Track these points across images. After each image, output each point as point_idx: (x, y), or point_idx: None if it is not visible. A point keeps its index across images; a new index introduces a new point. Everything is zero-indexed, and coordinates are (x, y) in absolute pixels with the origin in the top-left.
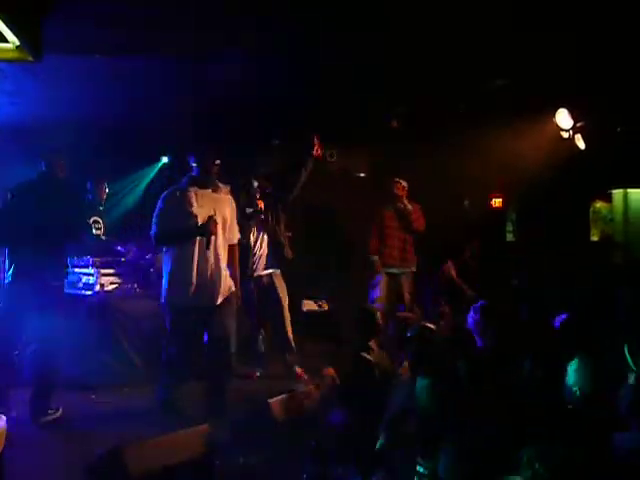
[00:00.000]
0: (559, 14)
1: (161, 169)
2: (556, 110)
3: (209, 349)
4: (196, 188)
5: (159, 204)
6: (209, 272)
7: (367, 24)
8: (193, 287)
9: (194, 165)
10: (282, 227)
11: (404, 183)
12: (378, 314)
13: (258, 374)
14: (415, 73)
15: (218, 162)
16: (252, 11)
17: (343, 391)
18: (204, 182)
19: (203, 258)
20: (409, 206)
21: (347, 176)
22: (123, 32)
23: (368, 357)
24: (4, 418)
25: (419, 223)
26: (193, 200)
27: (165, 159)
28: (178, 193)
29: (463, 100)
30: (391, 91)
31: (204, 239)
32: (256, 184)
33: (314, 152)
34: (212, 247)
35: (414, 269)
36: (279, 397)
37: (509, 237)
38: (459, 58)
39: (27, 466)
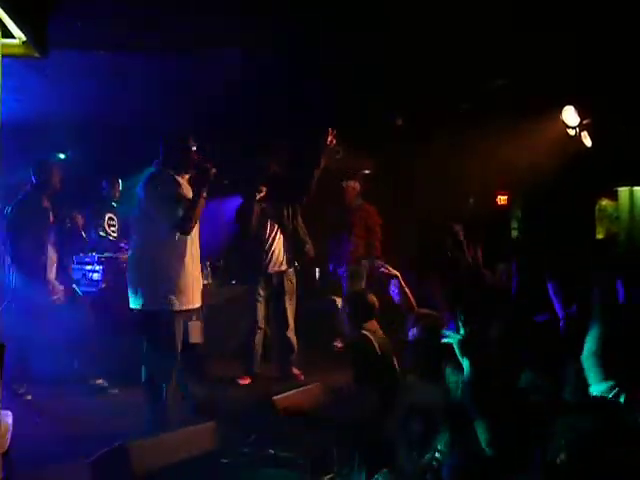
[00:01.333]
0: (563, 12)
1: None
2: (562, 107)
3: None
4: (176, 173)
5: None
6: (195, 271)
7: (367, 24)
8: (184, 288)
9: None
10: (300, 223)
11: (353, 184)
12: (371, 297)
13: (248, 381)
14: (421, 71)
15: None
16: (252, 11)
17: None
18: (184, 168)
19: (190, 254)
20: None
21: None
22: (126, 30)
23: (366, 333)
24: (10, 415)
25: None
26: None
27: None
28: (171, 178)
29: (468, 98)
30: (395, 89)
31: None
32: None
33: (328, 142)
34: (193, 242)
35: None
36: (284, 394)
37: (514, 234)
38: (464, 57)
39: (33, 463)
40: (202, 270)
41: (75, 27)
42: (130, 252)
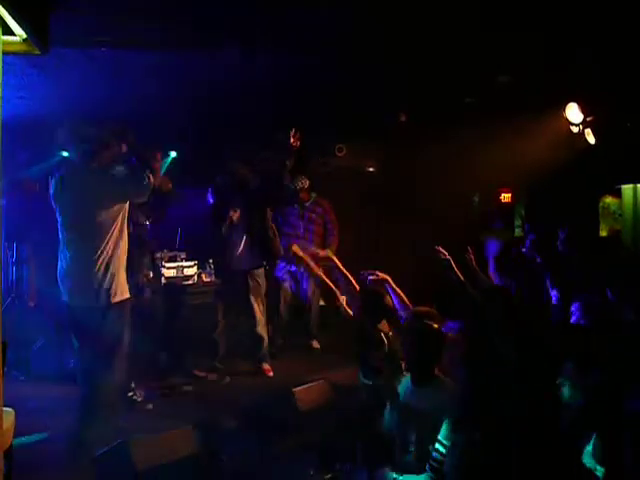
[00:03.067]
0: (566, 9)
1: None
2: (566, 105)
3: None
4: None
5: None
6: None
7: (368, 20)
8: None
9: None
10: (269, 223)
11: (302, 182)
12: (387, 299)
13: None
14: (423, 69)
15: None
16: (255, 9)
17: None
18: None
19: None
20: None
21: (356, 171)
22: (127, 26)
23: (380, 334)
24: (13, 412)
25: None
26: None
27: (174, 154)
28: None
29: (472, 95)
30: (397, 87)
31: None
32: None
33: (292, 144)
34: None
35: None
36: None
37: (518, 232)
38: (467, 54)
39: (35, 459)
40: (205, 268)
41: (76, 23)
42: (75, 253)
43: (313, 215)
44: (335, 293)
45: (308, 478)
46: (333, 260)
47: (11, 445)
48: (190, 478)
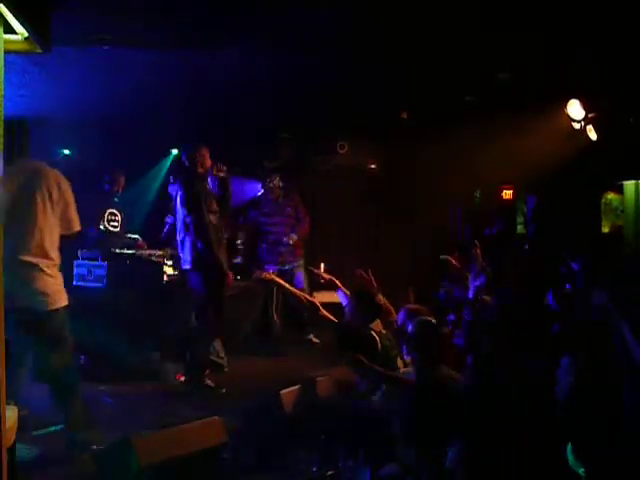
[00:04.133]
0: (568, 6)
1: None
2: (568, 101)
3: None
4: None
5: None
6: None
7: (368, 18)
8: None
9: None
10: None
11: (276, 182)
12: (379, 297)
13: None
14: (424, 66)
15: None
16: (255, 9)
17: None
18: None
19: None
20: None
21: (357, 168)
22: (129, 25)
23: (371, 332)
24: (16, 410)
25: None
26: None
27: (175, 151)
28: None
29: (473, 93)
30: (398, 85)
31: None
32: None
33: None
34: None
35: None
36: (291, 388)
37: (520, 229)
38: (468, 51)
39: (38, 456)
40: None
41: (76, 22)
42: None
43: (288, 208)
44: (316, 304)
45: (311, 475)
46: (332, 279)
47: (14, 442)
48: (192, 475)
